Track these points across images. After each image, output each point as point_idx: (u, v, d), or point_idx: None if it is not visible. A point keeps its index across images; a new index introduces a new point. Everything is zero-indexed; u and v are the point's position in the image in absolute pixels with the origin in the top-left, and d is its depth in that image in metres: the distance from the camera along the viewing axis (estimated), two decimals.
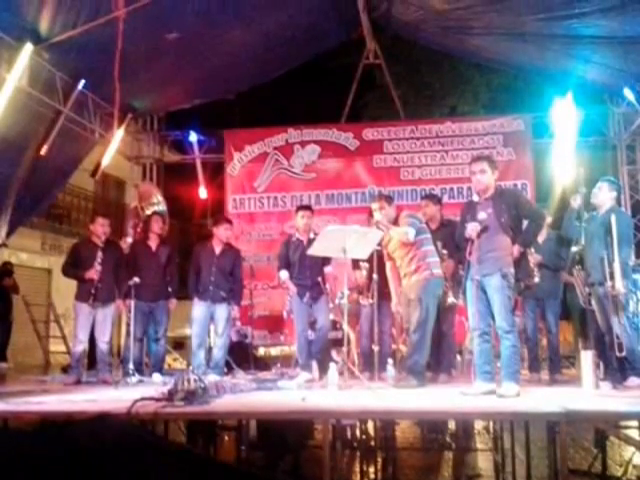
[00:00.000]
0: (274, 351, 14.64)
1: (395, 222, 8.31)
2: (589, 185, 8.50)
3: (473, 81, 22.20)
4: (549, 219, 9.36)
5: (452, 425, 8.87)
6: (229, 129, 15.74)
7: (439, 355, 8.88)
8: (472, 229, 6.88)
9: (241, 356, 11.53)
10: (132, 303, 9.65)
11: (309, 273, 9.27)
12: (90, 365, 10.41)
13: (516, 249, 6.97)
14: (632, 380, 7.72)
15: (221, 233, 9.97)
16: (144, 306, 9.84)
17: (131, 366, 9.35)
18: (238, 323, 12.56)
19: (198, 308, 9.78)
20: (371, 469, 7.54)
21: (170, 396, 5.84)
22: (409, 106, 19.78)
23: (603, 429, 6.89)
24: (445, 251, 8.75)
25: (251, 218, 14.96)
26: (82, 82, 12.18)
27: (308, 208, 9.81)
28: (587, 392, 6.96)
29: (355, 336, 10.23)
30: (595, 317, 8.17)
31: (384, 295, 8.78)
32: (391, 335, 9.52)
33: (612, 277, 7.76)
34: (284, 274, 9.31)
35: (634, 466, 7.21)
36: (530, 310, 9.32)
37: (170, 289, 10.10)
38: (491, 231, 6.89)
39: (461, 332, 10.35)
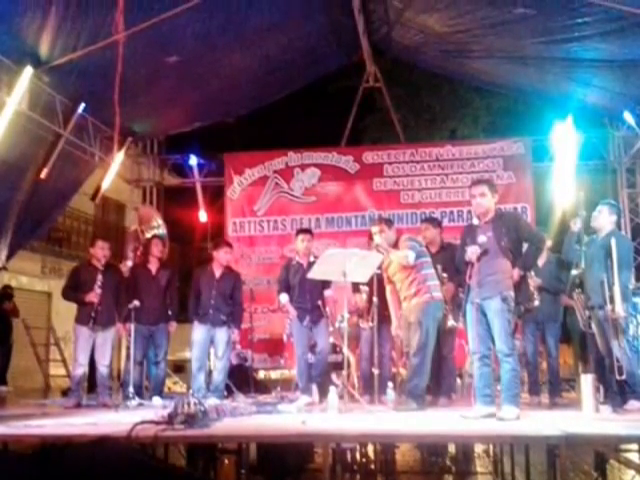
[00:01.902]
0: (274, 374, 14.65)
1: (395, 245, 8.31)
2: (589, 208, 8.50)
3: (473, 104, 22.33)
4: (549, 242, 9.33)
5: (452, 448, 8.85)
6: (229, 152, 15.78)
7: (439, 378, 8.84)
8: (472, 252, 6.87)
9: (241, 379, 11.50)
10: (132, 326, 9.63)
11: (309, 296, 9.25)
12: (90, 388, 10.39)
13: (516, 272, 6.96)
14: (632, 403, 7.70)
15: (221, 256, 9.97)
16: (144, 329, 9.82)
17: (131, 389, 9.34)
18: (238, 346, 12.52)
19: (198, 331, 9.76)
20: None
21: (170, 419, 5.83)
22: (409, 129, 19.94)
23: (603, 452, 6.84)
24: (445, 274, 8.73)
25: (251, 241, 14.97)
26: (82, 105, 12.23)
27: (308, 232, 9.80)
28: (587, 415, 6.93)
29: (355, 359, 10.20)
30: (595, 340, 8.14)
31: (384, 318, 8.79)
32: (391, 358, 9.50)
33: (612, 300, 7.74)
34: (284, 297, 9.30)
35: None
36: (530, 333, 9.29)
37: (170, 312, 10.09)
38: (491, 254, 6.88)
39: (461, 355, 10.33)
